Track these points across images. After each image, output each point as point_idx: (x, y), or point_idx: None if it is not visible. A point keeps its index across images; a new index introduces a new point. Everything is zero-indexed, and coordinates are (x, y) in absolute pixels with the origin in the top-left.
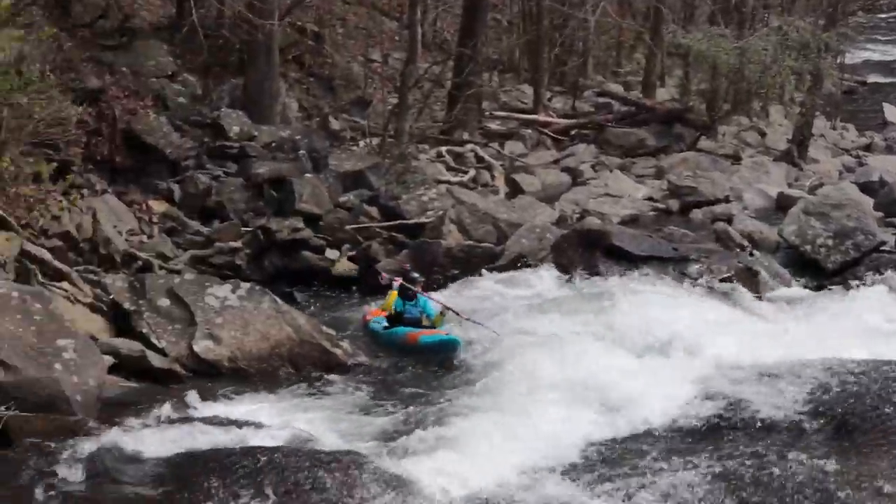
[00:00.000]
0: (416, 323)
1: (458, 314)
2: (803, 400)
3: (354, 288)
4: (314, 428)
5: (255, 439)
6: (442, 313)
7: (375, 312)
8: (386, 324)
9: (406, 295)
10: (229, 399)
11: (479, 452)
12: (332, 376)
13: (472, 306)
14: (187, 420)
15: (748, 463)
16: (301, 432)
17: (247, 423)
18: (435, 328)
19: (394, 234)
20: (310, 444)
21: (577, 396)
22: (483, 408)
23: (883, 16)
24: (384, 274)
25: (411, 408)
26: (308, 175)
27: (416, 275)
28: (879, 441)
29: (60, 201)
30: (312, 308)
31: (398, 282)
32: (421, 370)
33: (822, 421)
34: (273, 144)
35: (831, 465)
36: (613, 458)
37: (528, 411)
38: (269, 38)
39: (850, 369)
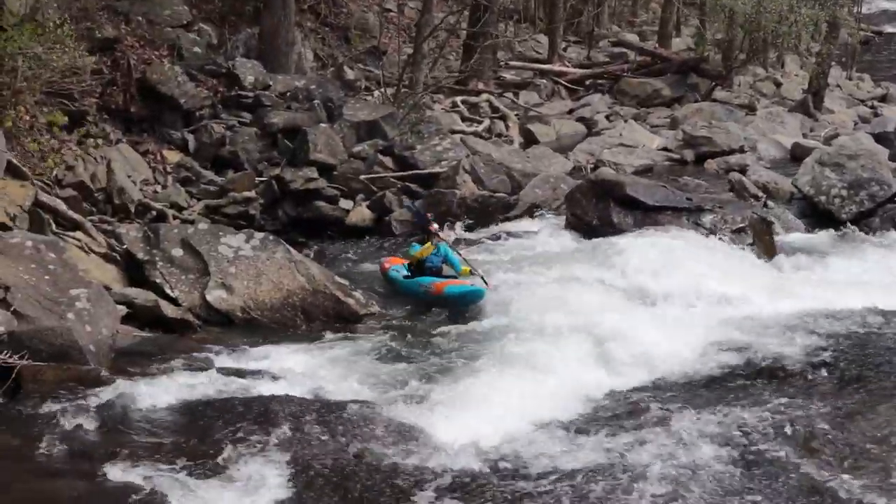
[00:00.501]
0: (438, 273)
1: (480, 275)
2: (816, 350)
3: (368, 237)
4: (326, 377)
5: (267, 388)
6: (471, 272)
7: (394, 260)
8: (406, 272)
9: (423, 238)
10: (242, 349)
11: (489, 404)
12: (345, 326)
13: (485, 257)
14: (200, 369)
15: (759, 414)
16: (313, 381)
17: (259, 373)
18: (457, 279)
19: (408, 183)
20: (321, 393)
21: (590, 349)
22: (495, 360)
23: None
24: (434, 224)
25: (423, 359)
26: (322, 125)
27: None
28: (891, 390)
29: (75, 151)
30: (326, 258)
31: (434, 228)
32: (435, 321)
33: (833, 371)
34: (288, 94)
35: (842, 417)
36: (625, 412)
37: (540, 364)
38: None
39: (863, 320)
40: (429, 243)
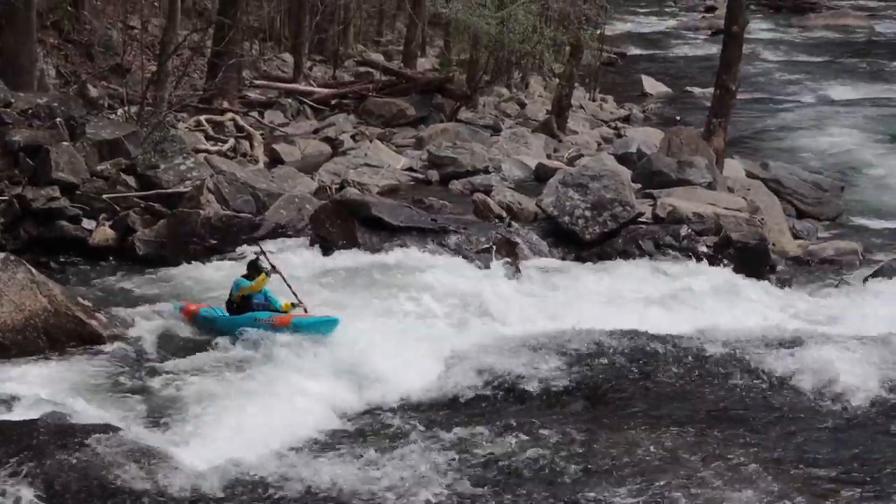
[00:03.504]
0: (265, 308)
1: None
2: (558, 370)
3: (112, 258)
4: (68, 400)
5: (8, 412)
6: (293, 304)
7: (192, 305)
8: (224, 312)
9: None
10: None
11: (233, 426)
12: (88, 348)
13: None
14: None
15: (497, 435)
16: (55, 405)
17: None
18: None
19: (151, 203)
20: (64, 417)
21: (337, 371)
22: (239, 382)
23: None
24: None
25: (167, 381)
26: (65, 143)
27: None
28: (628, 410)
29: None
30: (70, 279)
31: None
32: (179, 344)
33: (573, 391)
34: (30, 111)
35: (582, 435)
36: (367, 432)
37: (283, 384)
38: (27, 4)
39: (603, 340)
40: (262, 277)
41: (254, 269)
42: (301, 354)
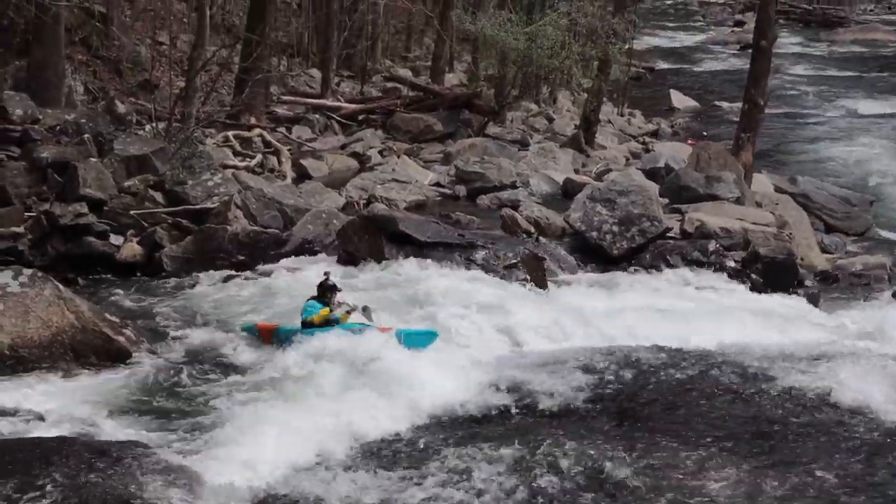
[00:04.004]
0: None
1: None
2: (587, 387)
3: (139, 274)
4: (96, 417)
5: (35, 429)
6: (348, 312)
7: (269, 325)
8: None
9: (327, 297)
10: (9, 388)
11: (261, 444)
12: (116, 364)
13: (257, 294)
14: None
15: (525, 453)
16: (82, 422)
17: (27, 413)
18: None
19: (179, 219)
20: (91, 434)
21: (363, 387)
22: (268, 399)
23: (670, 2)
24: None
25: (195, 398)
26: (93, 159)
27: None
28: (657, 427)
29: None
30: (97, 295)
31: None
32: (206, 361)
33: (605, 408)
34: (58, 128)
35: (610, 454)
36: (393, 450)
37: (314, 403)
38: (56, 20)
39: (632, 356)
40: (345, 315)
41: (323, 291)
42: (328, 372)
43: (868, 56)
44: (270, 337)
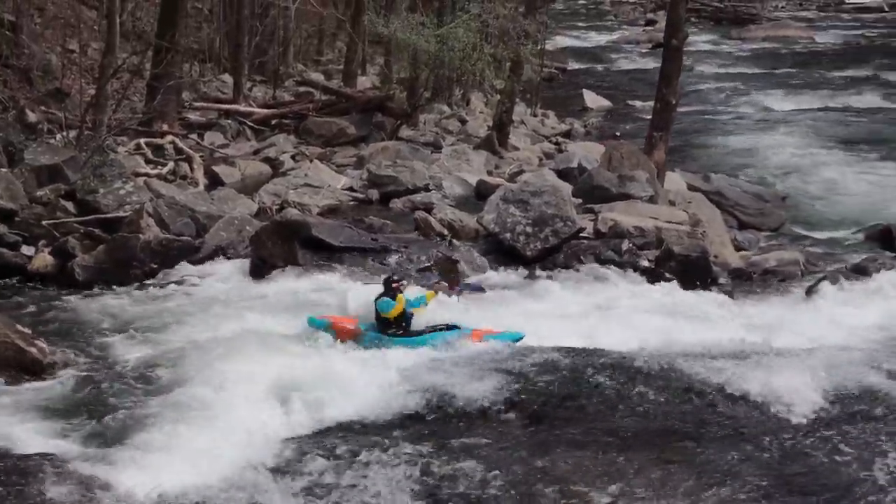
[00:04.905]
0: (411, 317)
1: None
2: (499, 388)
3: (51, 284)
4: (7, 429)
5: None
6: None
7: (347, 323)
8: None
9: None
10: None
11: (174, 454)
12: (28, 376)
13: (170, 304)
14: None
15: (441, 454)
16: None
17: None
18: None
19: (91, 229)
20: (2, 448)
21: (277, 393)
22: (182, 409)
23: (582, 2)
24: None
25: (110, 408)
26: (3, 169)
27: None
28: (571, 427)
29: None
30: (9, 306)
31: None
32: (121, 370)
33: (517, 410)
34: None
35: (522, 453)
36: (312, 453)
37: (231, 410)
38: None
39: (545, 357)
40: (400, 296)
41: (389, 285)
42: (248, 377)
43: (780, 52)
44: (349, 337)
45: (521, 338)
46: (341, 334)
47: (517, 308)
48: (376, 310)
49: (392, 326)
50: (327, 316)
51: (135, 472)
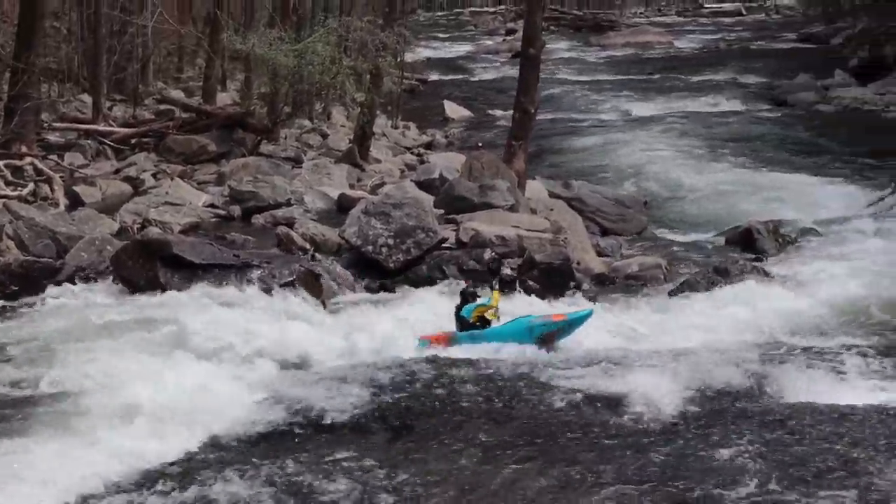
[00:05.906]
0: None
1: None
2: (362, 402)
3: None
4: None
5: None
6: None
7: (441, 334)
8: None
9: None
10: None
11: (26, 479)
12: None
13: (29, 329)
14: None
15: (305, 469)
16: None
17: None
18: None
19: None
20: None
21: (139, 412)
22: (49, 432)
23: (441, 14)
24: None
25: None
26: None
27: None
28: (434, 437)
29: None
30: None
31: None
32: None
33: (379, 422)
34: None
35: (386, 465)
36: (171, 473)
37: (95, 435)
38: None
39: (408, 368)
40: (496, 294)
41: (465, 297)
42: (103, 396)
43: (639, 58)
44: (444, 343)
45: (591, 314)
46: (439, 341)
47: (379, 321)
48: (461, 318)
49: (475, 328)
50: (429, 336)
51: None
